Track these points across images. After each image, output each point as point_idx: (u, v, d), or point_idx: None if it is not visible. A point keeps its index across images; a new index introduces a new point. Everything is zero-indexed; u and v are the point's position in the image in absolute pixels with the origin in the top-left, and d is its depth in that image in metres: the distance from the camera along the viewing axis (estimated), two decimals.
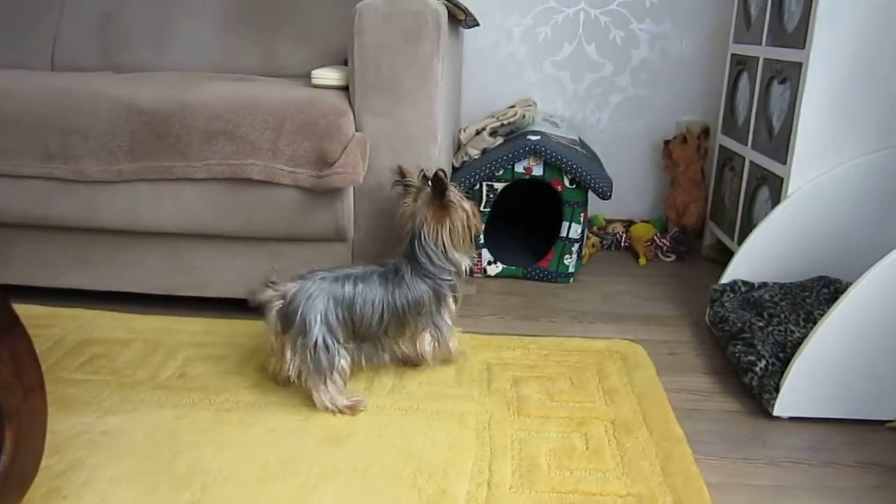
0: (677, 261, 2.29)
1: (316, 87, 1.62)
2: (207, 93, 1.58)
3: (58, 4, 2.13)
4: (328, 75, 1.61)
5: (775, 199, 1.79)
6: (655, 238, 2.30)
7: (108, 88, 1.60)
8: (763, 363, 1.43)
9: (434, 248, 1.41)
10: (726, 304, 1.67)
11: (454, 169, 2.07)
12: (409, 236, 1.43)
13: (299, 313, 1.31)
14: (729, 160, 2.15)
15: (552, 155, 1.93)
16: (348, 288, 1.35)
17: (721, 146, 2.23)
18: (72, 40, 2.11)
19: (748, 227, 1.92)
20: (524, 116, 2.10)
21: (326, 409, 1.35)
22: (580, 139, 2.28)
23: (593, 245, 2.29)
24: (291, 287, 1.34)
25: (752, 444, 1.32)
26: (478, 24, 2.07)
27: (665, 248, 2.29)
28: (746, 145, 2.00)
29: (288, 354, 1.34)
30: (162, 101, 1.55)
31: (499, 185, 1.99)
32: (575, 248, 2.03)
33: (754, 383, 1.43)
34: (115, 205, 1.61)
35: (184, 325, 1.69)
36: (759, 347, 1.46)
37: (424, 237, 1.40)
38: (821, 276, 1.71)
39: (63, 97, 1.58)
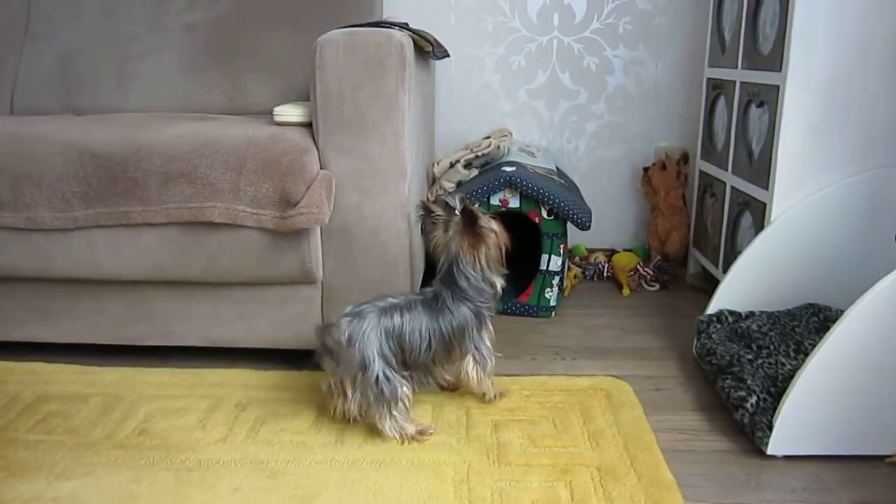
0: (661, 290, 2.23)
1: (278, 124, 1.56)
2: (165, 134, 1.52)
3: (17, 44, 2.07)
4: (290, 112, 1.55)
5: (758, 225, 1.74)
6: (638, 267, 2.24)
7: (60, 132, 1.54)
8: (754, 399, 1.36)
9: (473, 272, 1.42)
10: (713, 336, 1.61)
11: None
12: (445, 265, 1.43)
13: (356, 351, 1.32)
14: (710, 186, 2.11)
15: (528, 186, 1.87)
16: (396, 319, 1.36)
17: (701, 171, 2.19)
18: (32, 82, 2.05)
19: (732, 255, 1.87)
20: (499, 147, 2.05)
21: (396, 437, 1.35)
22: (557, 168, 2.23)
23: (575, 276, 2.23)
24: (344, 327, 1.33)
25: (745, 487, 1.25)
26: (448, 56, 2.03)
27: (648, 277, 2.23)
28: (727, 170, 1.96)
29: (349, 392, 1.35)
30: (117, 143, 1.49)
31: None
32: (556, 280, 1.96)
33: (746, 420, 1.36)
34: (72, 253, 1.54)
35: (146, 376, 1.61)
36: (749, 382, 1.40)
37: (462, 264, 1.41)
38: (809, 304, 1.65)
39: (13, 142, 1.51)
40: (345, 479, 1.24)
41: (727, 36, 2.00)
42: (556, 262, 1.95)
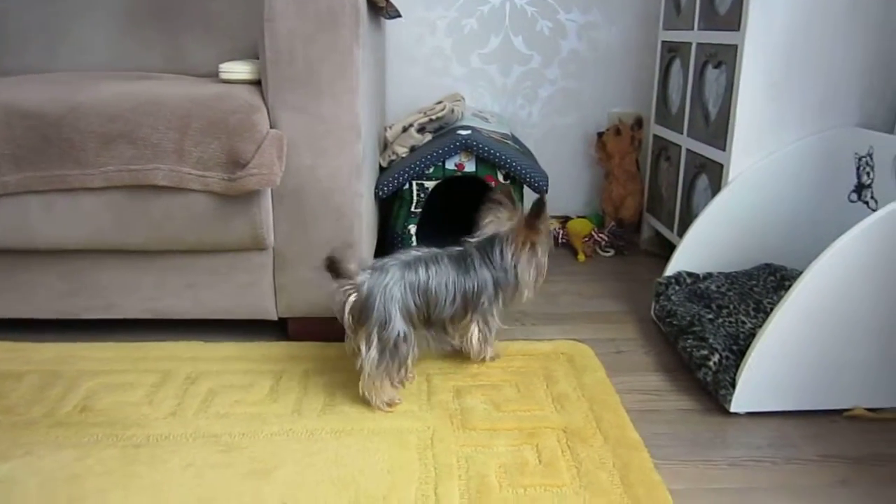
0: (616, 255, 2.22)
1: (225, 82, 1.48)
2: (102, 92, 1.42)
3: None
4: (238, 69, 1.47)
5: (715, 187, 1.73)
6: (593, 233, 2.23)
7: None
8: (717, 357, 1.36)
9: (510, 256, 1.39)
10: (672, 298, 1.60)
11: (381, 169, 1.95)
12: (488, 234, 1.42)
13: (377, 306, 1.26)
14: (664, 150, 2.10)
15: (484, 150, 1.83)
16: (421, 272, 1.32)
17: (655, 136, 2.18)
18: None
19: (688, 218, 1.87)
20: (453, 111, 1.99)
21: (373, 403, 1.32)
22: (512, 134, 2.19)
23: None
24: (366, 278, 1.29)
25: (711, 445, 1.24)
26: (399, 16, 1.96)
27: (603, 243, 2.22)
28: (682, 133, 1.94)
29: (363, 348, 1.28)
30: (50, 102, 1.38)
31: (429, 184, 1.88)
32: None
33: (709, 379, 1.35)
34: (2, 221, 1.43)
35: (88, 351, 1.52)
36: (711, 341, 1.39)
37: (506, 244, 1.39)
38: (766, 264, 1.66)
39: None
40: (304, 451, 1.19)
41: None
42: None
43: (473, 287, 1.37)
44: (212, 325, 1.59)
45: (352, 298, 1.28)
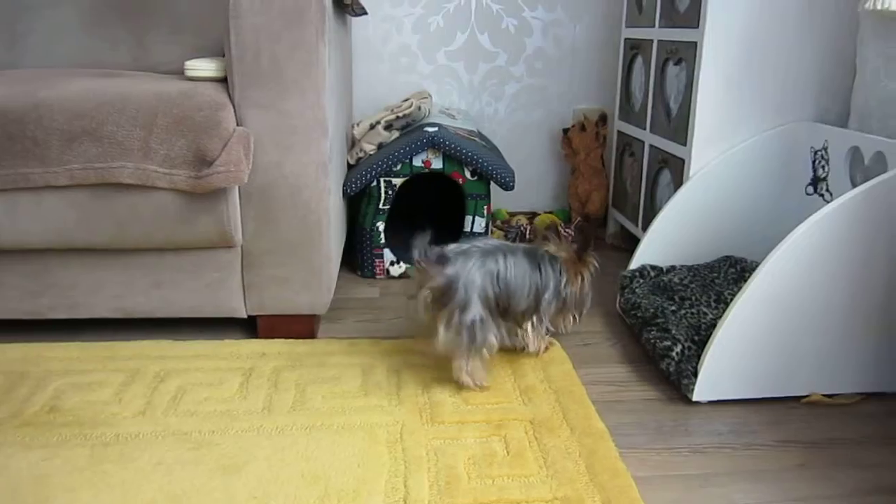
0: None
1: (191, 79, 1.48)
2: (67, 89, 1.41)
3: None
4: (203, 66, 1.47)
5: (677, 182, 1.77)
6: (560, 228, 2.25)
7: None
8: (679, 348, 1.39)
9: (563, 285, 1.44)
10: (637, 291, 1.64)
11: (349, 166, 1.96)
12: (552, 253, 1.46)
13: (459, 289, 1.30)
14: (628, 146, 2.13)
15: (451, 146, 1.85)
16: (500, 262, 1.35)
17: (619, 132, 2.21)
18: None
19: (652, 212, 1.90)
20: (420, 108, 2.01)
21: (466, 383, 1.35)
22: (478, 131, 2.22)
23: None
24: (449, 263, 1.32)
25: (675, 433, 1.28)
26: (365, 13, 1.97)
27: (570, 238, 2.24)
28: (645, 129, 1.98)
29: (441, 330, 1.31)
30: (12, 99, 1.37)
31: (397, 181, 1.89)
32: None
33: (672, 369, 1.39)
34: None
35: (54, 351, 1.51)
36: (673, 332, 1.42)
37: (562, 269, 1.44)
38: (727, 256, 1.70)
39: None
40: (274, 447, 1.20)
41: None
42: (479, 224, 1.94)
43: (541, 283, 1.40)
44: (180, 323, 1.59)
45: (435, 281, 1.31)
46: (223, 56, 1.45)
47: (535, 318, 1.44)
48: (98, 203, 1.41)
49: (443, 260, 1.33)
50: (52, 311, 1.54)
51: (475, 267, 1.33)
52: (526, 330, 1.45)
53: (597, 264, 1.49)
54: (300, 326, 1.58)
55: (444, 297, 1.31)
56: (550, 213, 2.41)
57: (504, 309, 1.37)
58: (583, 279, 1.47)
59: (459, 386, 1.36)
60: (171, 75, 1.64)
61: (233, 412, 1.30)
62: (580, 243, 1.47)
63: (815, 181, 1.66)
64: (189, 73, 1.48)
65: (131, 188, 1.39)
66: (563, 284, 1.44)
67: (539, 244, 1.50)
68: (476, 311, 1.31)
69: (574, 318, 1.50)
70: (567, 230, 2.25)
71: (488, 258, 1.35)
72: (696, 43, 1.65)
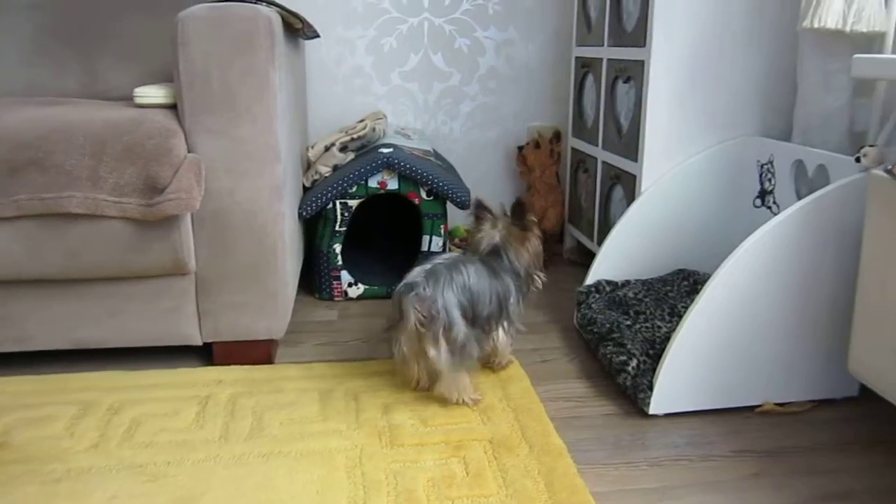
0: None
1: (140, 106, 1.46)
2: (10, 118, 1.39)
3: None
4: (153, 93, 1.46)
5: (630, 198, 1.79)
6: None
7: None
8: (634, 362, 1.41)
9: (516, 260, 1.47)
10: (593, 306, 1.65)
11: (305, 188, 1.95)
12: (489, 247, 1.48)
13: (440, 308, 1.31)
14: (582, 162, 2.16)
15: (407, 167, 1.86)
16: (465, 273, 1.38)
17: (573, 149, 2.24)
18: None
19: (606, 227, 1.93)
20: (374, 129, 2.01)
21: (461, 401, 1.39)
22: (434, 150, 2.23)
23: None
24: (423, 285, 1.33)
25: (632, 447, 1.29)
26: (318, 36, 1.97)
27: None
28: (597, 146, 2.01)
29: (432, 352, 1.32)
30: None
31: (353, 203, 1.89)
32: None
33: (628, 383, 1.40)
34: None
35: (5, 385, 1.47)
36: (629, 346, 1.44)
37: (508, 250, 1.47)
38: (679, 269, 1.73)
39: None
40: (231, 476, 1.18)
41: (593, 15, 2.05)
42: (437, 243, 1.94)
43: (501, 291, 1.43)
44: (135, 352, 1.56)
45: (417, 305, 1.31)
46: (173, 81, 1.44)
47: (505, 323, 1.47)
48: (47, 233, 1.38)
49: (414, 287, 1.33)
50: (3, 344, 1.51)
51: (446, 283, 1.34)
52: (498, 334, 1.47)
53: (538, 234, 1.52)
54: (257, 352, 1.56)
55: (428, 320, 1.31)
56: None
57: (473, 317, 1.38)
58: (530, 246, 1.49)
59: (451, 404, 1.39)
60: (121, 101, 1.62)
61: (189, 442, 1.28)
62: (515, 213, 1.49)
63: (763, 194, 1.70)
64: (138, 100, 1.47)
65: (81, 217, 1.37)
66: (521, 274, 1.48)
67: (475, 226, 1.52)
68: (460, 326, 1.33)
69: (538, 277, 1.52)
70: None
71: (453, 271, 1.37)
72: (643, 62, 1.69)
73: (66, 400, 1.42)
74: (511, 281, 1.45)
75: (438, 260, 1.41)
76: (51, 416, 1.36)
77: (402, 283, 1.36)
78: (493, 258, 1.46)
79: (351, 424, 1.33)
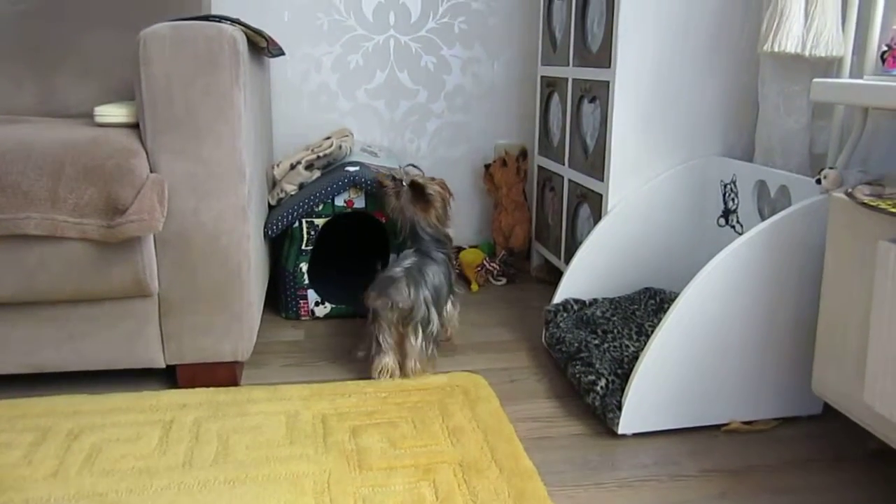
0: (508, 284, 2.28)
1: (100, 125, 1.44)
2: None
3: None
4: (114, 112, 1.43)
5: (596, 216, 1.81)
6: (485, 262, 2.27)
7: None
8: (603, 382, 1.41)
9: (429, 228, 1.69)
10: (561, 325, 1.66)
11: (270, 207, 1.93)
12: (407, 225, 1.70)
13: (419, 304, 1.52)
14: (548, 180, 2.17)
15: (373, 186, 1.84)
16: (426, 270, 1.58)
17: (540, 167, 2.25)
18: None
19: (573, 246, 1.94)
20: (340, 147, 2.00)
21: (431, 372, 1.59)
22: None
23: None
24: (398, 282, 1.52)
25: (601, 468, 1.29)
26: (283, 53, 1.96)
27: (495, 272, 2.27)
28: (564, 164, 2.02)
29: (411, 343, 1.53)
30: None
31: (319, 221, 1.88)
32: None
33: (597, 403, 1.41)
34: None
35: None
36: (597, 366, 1.45)
37: (419, 223, 1.68)
38: (646, 288, 1.74)
39: None
40: (196, 503, 1.16)
41: (558, 35, 2.07)
42: None
43: (446, 270, 1.65)
44: (96, 376, 1.53)
45: (397, 301, 1.50)
46: (134, 99, 1.41)
47: (451, 297, 1.70)
48: (4, 255, 1.34)
49: (398, 279, 1.52)
50: None
51: (421, 281, 1.53)
52: (449, 311, 1.69)
53: (439, 190, 1.72)
54: (222, 374, 1.54)
55: (408, 317, 1.52)
56: (475, 247, 2.42)
57: (437, 306, 1.58)
58: (435, 209, 1.70)
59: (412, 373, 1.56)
60: (80, 119, 1.59)
61: (151, 469, 1.25)
62: (412, 188, 1.69)
63: (727, 213, 1.72)
64: (99, 119, 1.44)
65: (39, 239, 1.34)
66: (438, 233, 1.70)
67: (385, 197, 1.75)
68: (434, 319, 1.55)
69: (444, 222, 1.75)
70: (492, 264, 2.27)
71: (416, 270, 1.56)
72: (608, 82, 1.70)
73: (24, 426, 1.38)
74: (443, 255, 1.66)
75: (406, 262, 1.58)
76: (7, 444, 1.32)
77: (387, 287, 1.52)
78: (416, 242, 1.66)
79: (319, 448, 1.31)
